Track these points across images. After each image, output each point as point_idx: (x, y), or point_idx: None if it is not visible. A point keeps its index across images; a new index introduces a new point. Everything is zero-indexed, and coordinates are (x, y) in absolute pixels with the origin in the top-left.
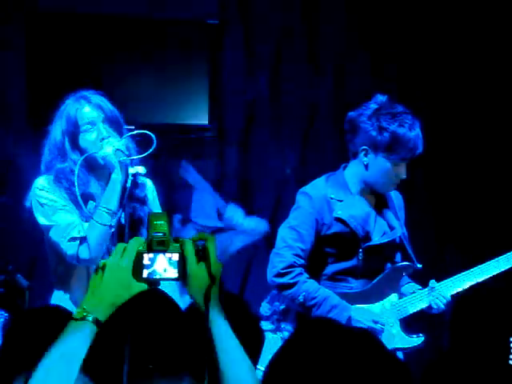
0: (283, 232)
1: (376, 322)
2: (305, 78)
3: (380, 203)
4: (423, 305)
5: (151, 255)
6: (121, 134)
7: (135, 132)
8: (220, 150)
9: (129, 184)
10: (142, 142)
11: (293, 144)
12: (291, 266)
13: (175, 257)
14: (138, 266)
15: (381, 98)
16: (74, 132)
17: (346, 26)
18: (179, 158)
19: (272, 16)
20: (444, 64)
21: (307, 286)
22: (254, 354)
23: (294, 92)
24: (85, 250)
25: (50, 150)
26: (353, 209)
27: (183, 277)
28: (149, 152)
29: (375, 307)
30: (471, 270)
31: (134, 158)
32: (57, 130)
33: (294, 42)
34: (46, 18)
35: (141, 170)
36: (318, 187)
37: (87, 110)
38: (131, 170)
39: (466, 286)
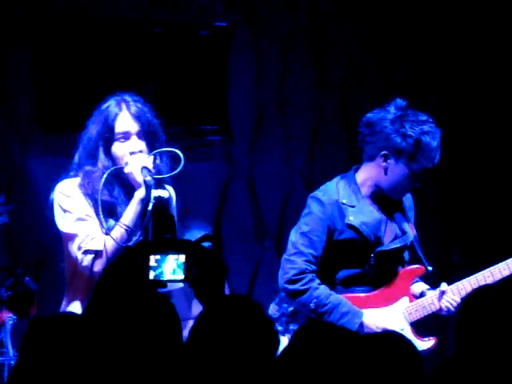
0: (294, 238)
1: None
2: (312, 81)
3: (390, 205)
4: (434, 308)
5: (158, 257)
6: (156, 147)
7: (163, 150)
8: (228, 153)
9: (150, 207)
10: (172, 158)
11: (300, 146)
12: (303, 272)
13: (182, 258)
14: (144, 268)
15: (401, 103)
16: (108, 138)
17: (353, 28)
18: (187, 160)
19: (279, 18)
20: (454, 75)
21: (318, 293)
22: (269, 357)
23: (302, 94)
24: (99, 263)
25: (84, 147)
26: (364, 215)
27: (190, 278)
28: (175, 172)
29: (386, 311)
30: (481, 272)
31: (159, 176)
32: (93, 130)
33: (302, 44)
34: (54, 21)
35: (164, 193)
36: (330, 192)
37: (125, 119)
38: (154, 193)
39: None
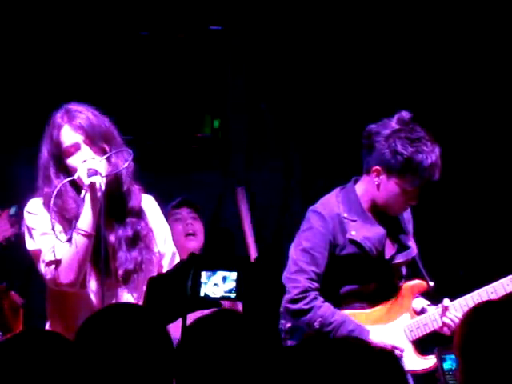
0: (295, 255)
1: (395, 348)
2: (311, 86)
3: (389, 218)
4: (437, 325)
5: (209, 273)
6: (109, 146)
7: (113, 153)
8: (224, 162)
9: (83, 194)
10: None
11: (298, 154)
12: (305, 290)
13: (233, 275)
14: (195, 285)
15: (403, 116)
16: (58, 155)
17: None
18: (182, 169)
19: (276, 21)
20: (454, 88)
21: (323, 311)
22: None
23: (300, 100)
24: (61, 273)
25: (40, 169)
26: (366, 229)
27: (242, 297)
28: (121, 169)
29: (387, 328)
30: (484, 287)
31: (105, 175)
32: (44, 151)
33: (299, 49)
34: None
35: (97, 179)
36: (330, 205)
37: (69, 132)
38: (86, 181)
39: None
